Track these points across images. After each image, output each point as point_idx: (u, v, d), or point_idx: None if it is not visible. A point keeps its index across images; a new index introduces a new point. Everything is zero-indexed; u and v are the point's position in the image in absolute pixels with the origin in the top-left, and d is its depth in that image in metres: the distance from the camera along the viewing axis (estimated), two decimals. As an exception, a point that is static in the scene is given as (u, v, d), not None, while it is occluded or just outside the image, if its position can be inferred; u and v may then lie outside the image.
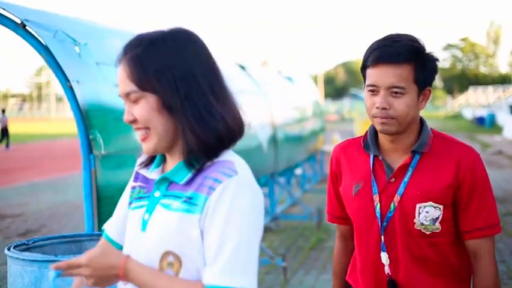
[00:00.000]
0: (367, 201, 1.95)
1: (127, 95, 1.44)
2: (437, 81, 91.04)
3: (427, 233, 1.88)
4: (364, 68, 1.90)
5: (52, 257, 2.57)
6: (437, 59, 1.89)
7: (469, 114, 46.48)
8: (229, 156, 1.46)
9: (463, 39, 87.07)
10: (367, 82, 1.88)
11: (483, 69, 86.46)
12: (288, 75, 10.77)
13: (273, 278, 5.84)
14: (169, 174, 1.46)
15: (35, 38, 3.26)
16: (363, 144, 2.00)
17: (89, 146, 3.27)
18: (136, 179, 1.60)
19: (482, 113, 38.58)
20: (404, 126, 1.86)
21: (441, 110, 72.17)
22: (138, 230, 1.48)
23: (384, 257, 1.94)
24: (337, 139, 15.89)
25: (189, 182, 1.44)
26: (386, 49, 1.83)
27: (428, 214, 1.87)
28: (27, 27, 3.25)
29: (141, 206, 1.51)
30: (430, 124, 2.00)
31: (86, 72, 3.56)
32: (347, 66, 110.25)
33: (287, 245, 7.12)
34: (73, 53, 3.50)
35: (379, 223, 1.93)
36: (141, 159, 1.60)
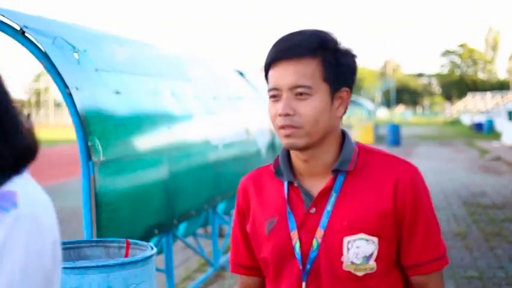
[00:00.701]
0: (284, 240, 1.53)
1: None
2: (436, 88, 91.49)
3: (359, 274, 1.48)
4: (266, 73, 1.55)
5: (50, 264, 2.56)
6: (354, 55, 1.54)
7: (467, 120, 46.59)
8: (18, 185, 1.16)
9: (462, 46, 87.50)
10: (268, 87, 1.53)
11: (481, 75, 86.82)
12: (286, 82, 10.77)
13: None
14: None
15: (34, 45, 3.27)
16: (274, 170, 1.60)
17: (87, 152, 3.27)
18: None
19: (481, 119, 38.65)
20: (317, 137, 1.49)
21: (440, 116, 72.36)
22: None
23: None
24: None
25: None
26: (285, 43, 1.49)
27: (359, 250, 1.47)
28: (26, 34, 3.26)
29: None
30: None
31: (85, 79, 3.56)
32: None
33: (286, 251, 7.11)
34: (72, 59, 3.50)
35: (300, 266, 1.52)
36: None
